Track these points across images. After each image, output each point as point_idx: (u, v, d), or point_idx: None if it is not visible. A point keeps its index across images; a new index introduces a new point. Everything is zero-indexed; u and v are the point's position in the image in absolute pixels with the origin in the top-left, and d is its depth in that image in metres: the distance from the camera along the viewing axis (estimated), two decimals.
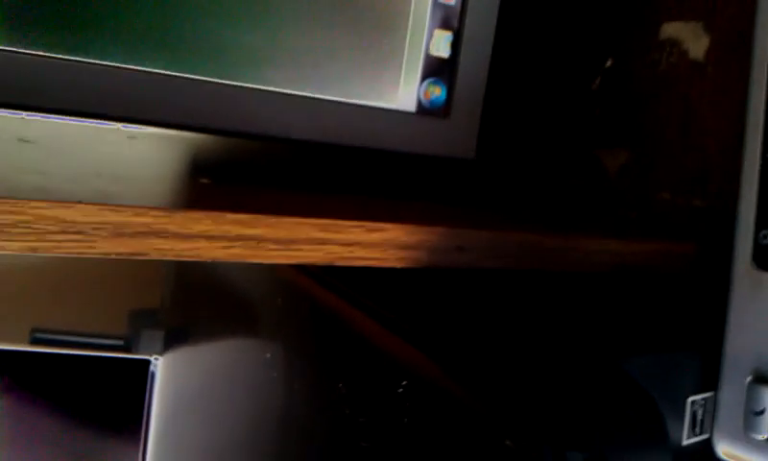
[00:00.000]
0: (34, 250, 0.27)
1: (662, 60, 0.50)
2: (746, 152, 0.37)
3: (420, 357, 0.31)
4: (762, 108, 0.36)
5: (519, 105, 0.61)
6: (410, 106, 0.43)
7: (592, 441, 0.28)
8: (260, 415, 0.45)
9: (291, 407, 0.42)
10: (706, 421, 0.36)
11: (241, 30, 0.38)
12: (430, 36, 0.43)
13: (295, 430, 0.41)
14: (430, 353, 0.31)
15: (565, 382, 0.30)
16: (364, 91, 0.42)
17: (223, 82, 0.38)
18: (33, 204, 0.27)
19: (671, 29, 0.50)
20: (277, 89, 0.39)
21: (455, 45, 0.44)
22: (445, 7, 0.43)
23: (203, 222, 0.31)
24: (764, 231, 0.35)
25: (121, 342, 0.64)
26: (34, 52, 0.34)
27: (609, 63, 0.54)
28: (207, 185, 0.41)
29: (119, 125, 0.43)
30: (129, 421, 0.65)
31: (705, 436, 0.36)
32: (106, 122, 0.42)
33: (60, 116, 0.36)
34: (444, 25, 0.43)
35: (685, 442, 0.35)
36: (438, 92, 0.44)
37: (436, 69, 0.43)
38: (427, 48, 0.43)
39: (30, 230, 0.27)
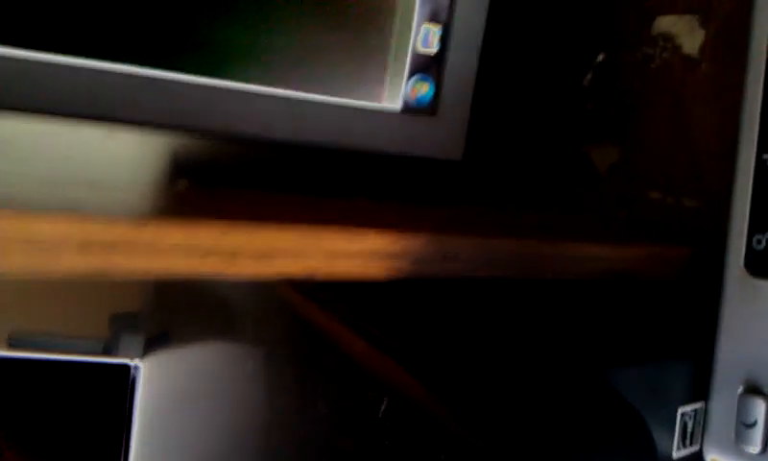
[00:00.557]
0: None
1: (655, 56, 0.49)
2: (740, 152, 0.36)
3: (403, 374, 0.30)
4: (758, 106, 0.35)
5: (508, 100, 0.60)
6: (396, 104, 0.41)
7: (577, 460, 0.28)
8: (240, 424, 0.44)
9: (271, 418, 0.41)
10: (696, 432, 0.35)
11: (218, 26, 0.36)
12: (418, 30, 0.42)
13: (275, 441, 0.40)
14: (412, 370, 0.30)
15: (550, 399, 0.29)
16: (348, 89, 0.40)
17: (200, 80, 0.37)
18: None
19: (665, 23, 0.49)
20: (257, 88, 0.38)
21: (444, 40, 0.42)
22: (434, 1, 0.42)
23: (173, 233, 0.29)
24: (758, 236, 0.34)
25: (101, 346, 0.63)
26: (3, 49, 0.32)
27: (600, 58, 0.53)
28: (185, 189, 0.39)
29: (95, 125, 0.42)
30: (109, 425, 0.63)
31: (695, 448, 0.35)
32: (80, 122, 0.40)
33: (33, 116, 0.35)
34: (433, 19, 0.42)
35: (675, 455, 0.34)
36: (425, 90, 0.42)
37: (423, 65, 0.42)
38: (415, 43, 0.42)
39: None
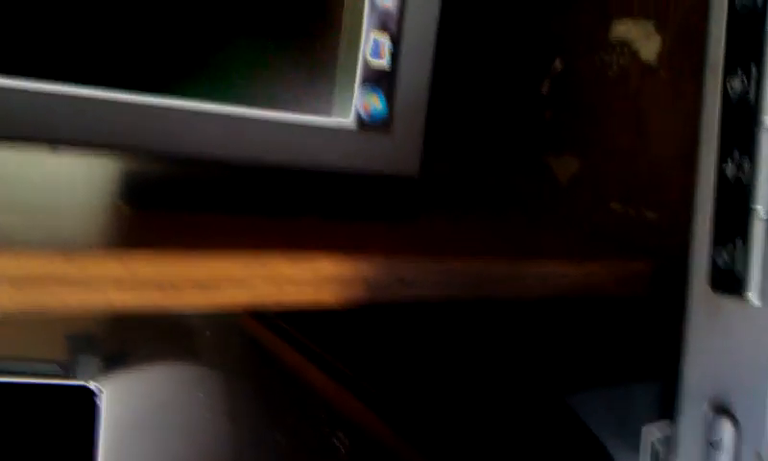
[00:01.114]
0: None
1: (613, 62, 0.48)
2: (700, 162, 0.35)
3: (360, 407, 0.29)
4: (717, 115, 0.34)
5: (464, 112, 0.58)
6: (348, 119, 0.40)
7: None
8: (199, 448, 0.43)
9: (230, 443, 0.39)
10: (665, 453, 0.34)
11: (163, 44, 0.35)
12: (367, 40, 0.40)
13: None
14: (369, 402, 0.29)
15: (510, 428, 0.28)
16: (297, 104, 0.39)
17: (145, 98, 0.35)
18: None
19: (621, 28, 0.48)
20: (203, 105, 0.36)
21: (394, 54, 0.41)
22: (383, 11, 0.40)
23: (109, 265, 0.27)
24: (721, 249, 0.33)
25: (58, 368, 0.60)
26: None
27: (558, 65, 0.52)
28: (127, 214, 0.37)
29: (37, 147, 0.40)
30: (72, 448, 0.61)
31: None
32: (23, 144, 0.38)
33: None
34: (383, 27, 0.40)
35: None
36: (377, 104, 0.41)
37: (375, 78, 0.41)
38: (365, 54, 0.40)
39: None
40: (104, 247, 0.28)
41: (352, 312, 0.34)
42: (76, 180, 0.43)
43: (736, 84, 0.33)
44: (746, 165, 0.32)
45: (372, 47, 0.40)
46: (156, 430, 0.49)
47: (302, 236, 0.35)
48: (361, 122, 0.40)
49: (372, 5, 0.40)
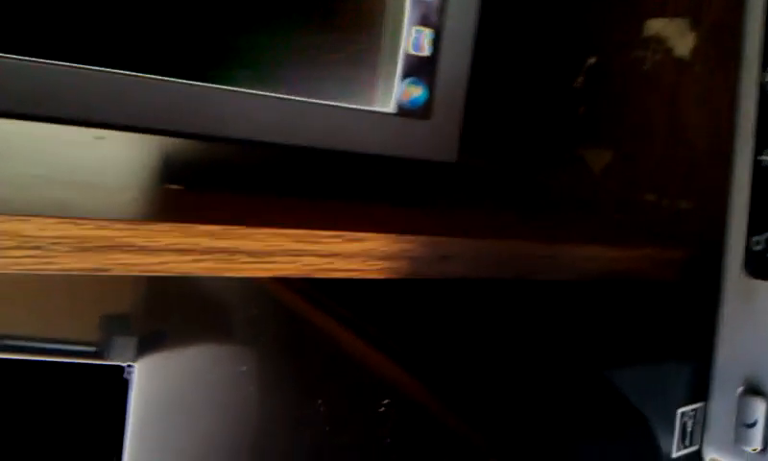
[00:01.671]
0: None
1: (647, 58, 0.49)
2: (735, 154, 0.36)
3: (403, 374, 0.30)
4: (754, 108, 0.35)
5: (501, 103, 0.60)
6: (389, 107, 0.41)
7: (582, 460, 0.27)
8: (236, 426, 0.44)
9: (268, 422, 0.40)
10: (695, 432, 0.35)
11: (210, 29, 0.36)
12: (409, 33, 0.41)
13: (272, 443, 0.39)
14: (412, 370, 0.30)
15: (552, 399, 0.29)
16: (340, 92, 0.40)
17: (191, 83, 0.36)
18: None
19: (656, 26, 0.49)
20: (249, 91, 0.38)
21: (436, 43, 0.42)
22: (425, 3, 0.41)
23: (171, 234, 0.29)
24: (756, 237, 0.34)
25: (93, 349, 0.62)
26: None
27: (592, 61, 0.53)
28: (178, 193, 0.39)
29: (84, 128, 0.41)
30: (103, 428, 0.63)
31: (694, 448, 0.35)
32: (71, 125, 0.40)
33: (23, 119, 0.34)
34: (424, 22, 0.42)
35: (675, 454, 0.34)
36: (418, 92, 0.42)
37: (416, 68, 0.42)
38: (406, 46, 0.41)
39: None
40: (165, 217, 0.29)
41: (398, 287, 0.36)
42: (128, 162, 0.44)
43: None
44: None
45: (414, 40, 0.41)
46: (193, 409, 0.50)
47: (348, 216, 0.36)
48: (402, 109, 0.41)
49: None
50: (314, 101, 0.39)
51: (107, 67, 0.34)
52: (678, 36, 0.48)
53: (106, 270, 0.28)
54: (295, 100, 0.38)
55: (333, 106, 0.39)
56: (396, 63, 0.41)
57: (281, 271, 0.30)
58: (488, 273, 0.34)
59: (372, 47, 0.40)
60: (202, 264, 0.29)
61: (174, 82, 0.35)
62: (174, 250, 0.29)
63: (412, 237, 0.33)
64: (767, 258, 0.33)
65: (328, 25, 0.39)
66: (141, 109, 0.35)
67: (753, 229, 0.34)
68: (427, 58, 0.42)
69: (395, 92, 0.41)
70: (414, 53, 0.42)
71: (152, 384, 0.59)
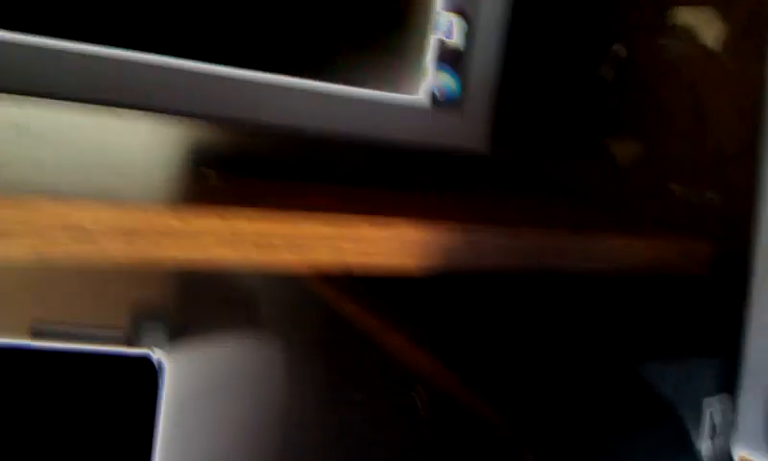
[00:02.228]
0: (40, 256, 0.26)
1: (673, 47, 0.49)
2: (765, 146, 0.36)
3: (436, 365, 0.31)
4: None
5: (529, 94, 0.60)
6: (423, 98, 0.42)
7: (612, 452, 0.28)
8: (267, 417, 0.45)
9: (300, 412, 0.41)
10: (724, 428, 0.35)
11: (251, 17, 0.37)
12: (443, 26, 0.42)
13: (304, 434, 0.40)
14: (449, 364, 0.30)
15: (582, 390, 0.29)
16: (375, 83, 0.40)
17: (232, 71, 0.37)
18: (35, 204, 0.26)
19: (683, 15, 0.49)
20: (288, 79, 0.38)
21: (468, 35, 0.42)
22: None
23: (212, 221, 0.29)
24: None
25: (123, 336, 0.63)
26: (30, 37, 0.32)
27: (618, 50, 0.53)
28: (214, 180, 0.40)
29: (120, 112, 0.42)
30: (133, 416, 0.64)
31: (722, 442, 0.35)
32: (107, 109, 0.41)
33: (62, 103, 0.35)
34: (457, 11, 0.42)
35: (703, 448, 0.34)
36: (450, 83, 0.42)
37: (448, 59, 0.42)
38: (441, 39, 0.42)
39: (33, 232, 0.26)
40: (206, 204, 0.30)
41: (431, 282, 0.36)
42: (163, 147, 0.45)
43: None
44: None
45: (447, 28, 0.42)
46: (225, 399, 0.51)
47: (383, 205, 0.36)
48: (435, 100, 0.42)
49: None
50: (351, 90, 0.40)
51: (146, 53, 0.35)
52: (705, 26, 0.47)
53: (155, 261, 0.29)
54: (332, 89, 0.39)
55: (369, 96, 0.40)
56: (428, 52, 0.42)
57: (319, 262, 0.31)
58: (519, 263, 0.34)
59: (408, 40, 0.41)
60: (241, 254, 0.30)
61: (216, 69, 0.36)
62: (216, 238, 0.30)
63: (445, 227, 0.33)
64: None
65: (367, 18, 0.40)
66: (180, 96, 0.36)
67: None
68: (460, 51, 0.42)
69: (429, 84, 0.42)
70: (446, 40, 0.42)
71: (181, 374, 0.60)
